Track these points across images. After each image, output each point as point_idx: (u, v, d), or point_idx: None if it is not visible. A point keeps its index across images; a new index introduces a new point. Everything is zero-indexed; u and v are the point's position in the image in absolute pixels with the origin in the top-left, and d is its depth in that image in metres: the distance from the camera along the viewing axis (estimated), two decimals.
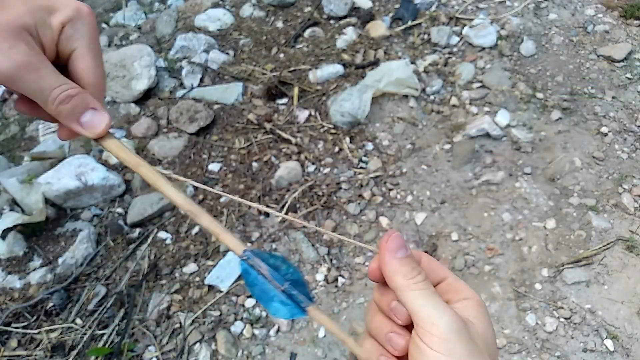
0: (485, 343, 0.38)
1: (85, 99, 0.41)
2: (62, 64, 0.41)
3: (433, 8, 2.57)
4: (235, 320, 1.63)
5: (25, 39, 0.37)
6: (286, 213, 1.83)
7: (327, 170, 1.98)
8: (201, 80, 2.39)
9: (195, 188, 1.94)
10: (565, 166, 1.93)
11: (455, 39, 2.41)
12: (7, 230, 1.77)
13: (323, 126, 2.13)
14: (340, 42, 2.45)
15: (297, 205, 1.88)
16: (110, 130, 0.42)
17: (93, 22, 0.41)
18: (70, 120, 0.41)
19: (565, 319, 1.56)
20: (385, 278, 0.39)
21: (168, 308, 1.67)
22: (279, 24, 2.63)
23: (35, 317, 1.64)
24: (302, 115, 2.17)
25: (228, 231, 0.41)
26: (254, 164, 2.02)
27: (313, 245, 1.78)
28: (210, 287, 1.70)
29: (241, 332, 1.60)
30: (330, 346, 1.56)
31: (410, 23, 2.49)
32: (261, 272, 0.40)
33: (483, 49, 2.36)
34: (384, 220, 1.83)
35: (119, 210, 1.93)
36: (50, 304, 1.67)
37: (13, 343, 1.60)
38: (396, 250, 0.39)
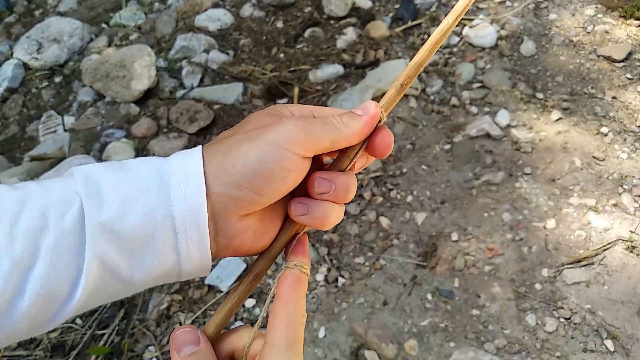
0: None
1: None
2: None
3: (433, 8, 2.57)
4: (236, 320, 1.63)
5: None
6: None
7: None
8: (201, 81, 2.39)
9: None
10: (565, 166, 1.93)
11: (455, 39, 2.41)
12: None
13: None
14: (340, 42, 2.45)
15: None
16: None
17: None
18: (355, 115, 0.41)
19: (565, 319, 1.56)
20: None
21: (168, 308, 1.67)
22: (279, 24, 2.63)
23: None
24: None
25: None
26: None
27: (313, 245, 1.78)
28: (210, 287, 1.70)
29: None
30: (330, 346, 1.56)
31: (410, 23, 2.49)
32: None
33: (483, 49, 2.36)
34: (384, 221, 1.83)
35: None
36: None
37: (13, 343, 1.60)
38: (182, 347, 0.37)
